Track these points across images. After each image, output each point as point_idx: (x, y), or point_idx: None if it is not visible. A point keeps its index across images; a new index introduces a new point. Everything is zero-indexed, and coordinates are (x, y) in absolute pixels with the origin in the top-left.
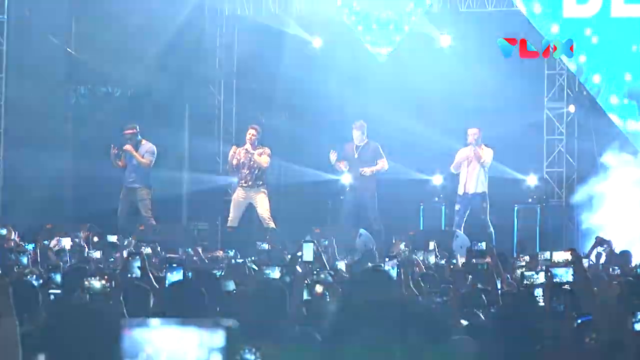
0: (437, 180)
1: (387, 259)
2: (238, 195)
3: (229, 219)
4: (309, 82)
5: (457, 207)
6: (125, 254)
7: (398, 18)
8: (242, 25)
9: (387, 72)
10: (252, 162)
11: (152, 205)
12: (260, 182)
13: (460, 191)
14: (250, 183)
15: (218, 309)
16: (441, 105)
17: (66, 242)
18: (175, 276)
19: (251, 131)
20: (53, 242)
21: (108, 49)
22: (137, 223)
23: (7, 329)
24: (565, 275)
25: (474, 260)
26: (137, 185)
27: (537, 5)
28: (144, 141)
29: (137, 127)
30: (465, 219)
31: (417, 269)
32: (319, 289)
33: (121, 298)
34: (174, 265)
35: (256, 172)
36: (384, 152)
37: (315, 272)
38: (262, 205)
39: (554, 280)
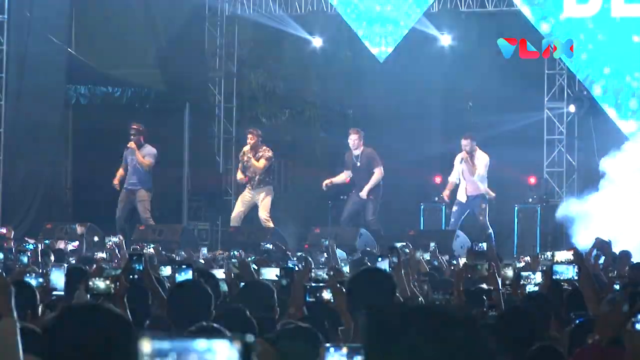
0: (437, 180)
1: (380, 259)
2: (245, 194)
3: (232, 216)
4: (309, 82)
5: (454, 208)
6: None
7: (398, 18)
8: (242, 25)
9: (387, 72)
10: (252, 167)
11: (152, 205)
12: (263, 185)
13: (459, 194)
14: (254, 185)
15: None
16: (441, 105)
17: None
18: (183, 276)
19: (248, 136)
20: (60, 244)
21: (108, 49)
22: (134, 224)
23: (7, 329)
24: (566, 272)
25: (474, 260)
26: (138, 187)
27: (537, 5)
28: (146, 145)
29: (142, 128)
30: (461, 220)
31: (419, 268)
32: (326, 295)
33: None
34: (184, 266)
35: (257, 176)
36: (383, 153)
37: (312, 270)
38: (263, 205)
39: (555, 277)
